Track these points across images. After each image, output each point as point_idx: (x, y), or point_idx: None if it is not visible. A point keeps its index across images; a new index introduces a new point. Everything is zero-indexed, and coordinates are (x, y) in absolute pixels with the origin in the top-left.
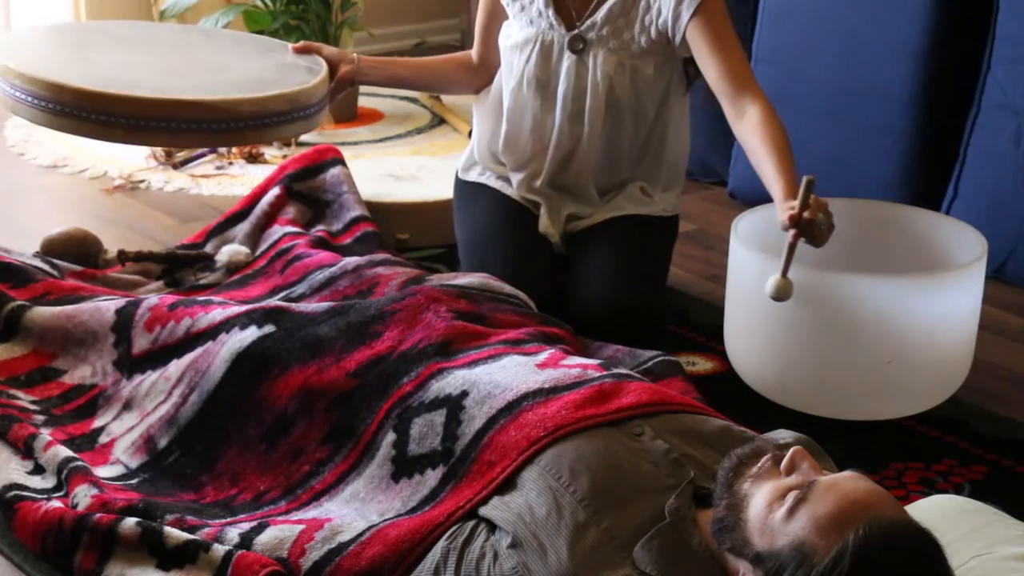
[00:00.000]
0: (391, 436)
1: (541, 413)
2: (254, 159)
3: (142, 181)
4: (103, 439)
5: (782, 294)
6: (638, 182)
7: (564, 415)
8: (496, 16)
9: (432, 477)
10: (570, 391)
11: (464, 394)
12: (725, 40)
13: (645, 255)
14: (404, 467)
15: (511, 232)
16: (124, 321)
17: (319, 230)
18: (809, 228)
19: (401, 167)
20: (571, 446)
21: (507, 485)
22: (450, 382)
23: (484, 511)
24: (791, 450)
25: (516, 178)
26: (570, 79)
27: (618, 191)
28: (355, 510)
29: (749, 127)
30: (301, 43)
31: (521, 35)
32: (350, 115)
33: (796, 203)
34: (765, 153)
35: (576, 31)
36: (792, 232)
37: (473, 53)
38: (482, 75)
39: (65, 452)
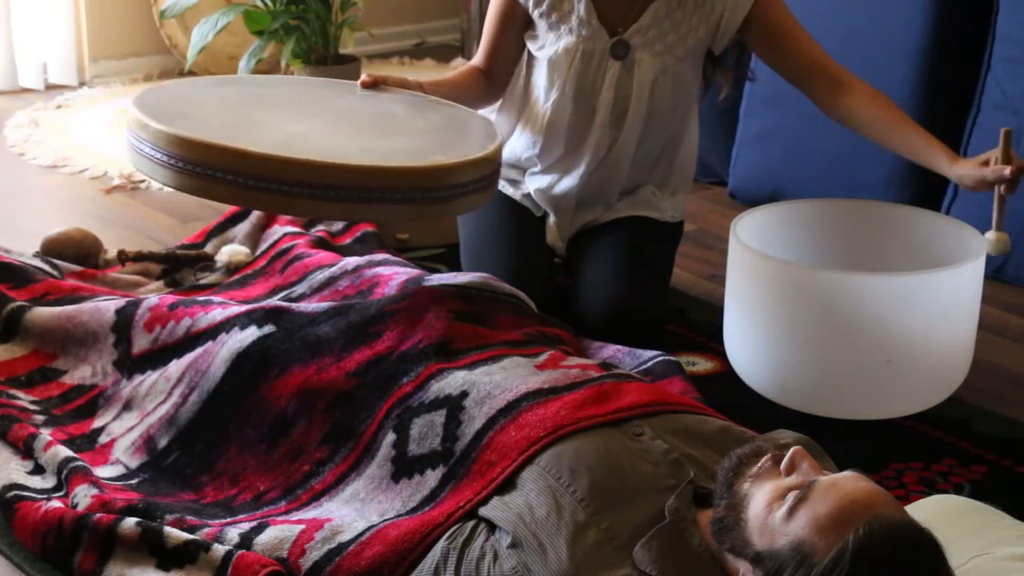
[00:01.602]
0: (391, 436)
1: (541, 413)
2: None
3: (142, 181)
4: (103, 439)
5: (1004, 248)
6: (649, 186)
7: (564, 415)
8: (512, 23)
9: (432, 477)
10: (570, 391)
11: (464, 394)
12: (795, 24)
13: (649, 258)
14: (404, 467)
15: (511, 233)
16: (124, 321)
17: (319, 230)
18: (1018, 180)
19: None
20: (571, 446)
21: (507, 485)
22: (450, 382)
23: (484, 511)
24: (791, 450)
25: (536, 183)
26: (614, 86)
27: (629, 194)
28: (355, 510)
29: (863, 102)
30: (368, 77)
31: (560, 44)
32: None
33: (997, 156)
34: (899, 124)
35: (619, 36)
36: (1003, 187)
37: (481, 66)
38: (496, 90)
39: (65, 452)
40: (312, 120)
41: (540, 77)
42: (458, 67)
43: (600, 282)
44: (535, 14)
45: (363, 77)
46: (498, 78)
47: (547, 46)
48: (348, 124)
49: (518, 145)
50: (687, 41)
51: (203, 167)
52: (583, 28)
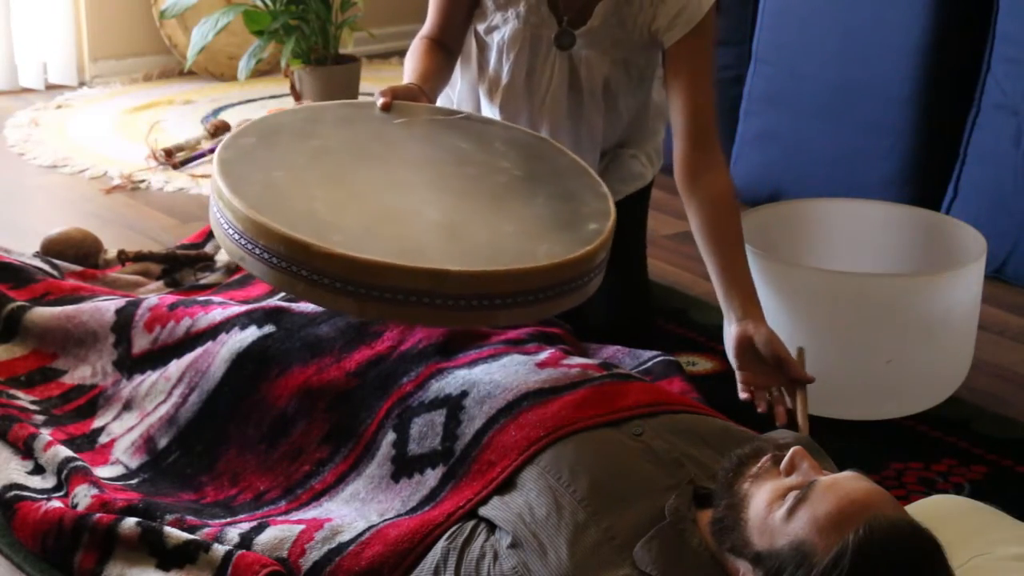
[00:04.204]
0: (391, 436)
1: (541, 413)
2: None
3: (142, 181)
4: (103, 439)
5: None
6: (629, 149)
7: (564, 415)
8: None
9: (432, 477)
10: (570, 391)
11: (464, 394)
12: (709, 76)
13: (642, 258)
14: (404, 467)
15: None
16: (124, 321)
17: None
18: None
19: None
20: (571, 446)
21: (507, 485)
22: (450, 382)
23: (484, 511)
24: (791, 450)
25: None
26: (565, 80)
27: (612, 162)
28: (355, 510)
29: (712, 199)
30: (385, 98)
31: (508, 29)
32: None
33: (795, 364)
34: (718, 245)
35: (566, 28)
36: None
37: (434, 37)
38: (452, 60)
39: (65, 452)
40: (420, 189)
41: (490, 64)
42: (416, 46)
43: (600, 301)
44: None
45: (381, 100)
46: (451, 47)
47: (496, 29)
48: (451, 189)
49: None
50: (632, 38)
51: (392, 291)
52: (531, 15)
